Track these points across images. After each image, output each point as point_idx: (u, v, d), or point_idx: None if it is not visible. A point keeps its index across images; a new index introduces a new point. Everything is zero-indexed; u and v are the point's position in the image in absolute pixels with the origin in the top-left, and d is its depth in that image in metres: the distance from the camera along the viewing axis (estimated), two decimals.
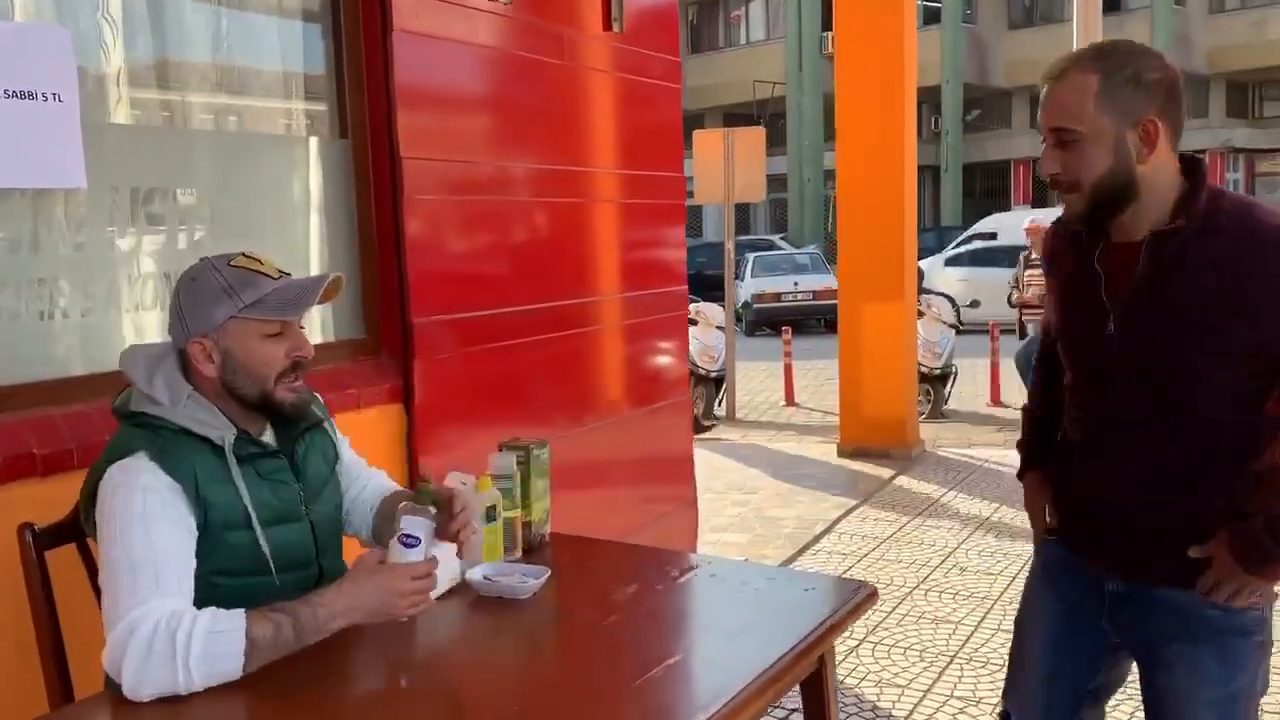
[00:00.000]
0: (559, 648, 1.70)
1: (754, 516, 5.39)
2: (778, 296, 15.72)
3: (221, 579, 1.66)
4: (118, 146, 2.28)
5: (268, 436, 1.78)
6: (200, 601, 1.60)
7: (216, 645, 1.49)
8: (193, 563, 1.62)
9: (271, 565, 1.69)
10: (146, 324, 2.33)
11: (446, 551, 1.77)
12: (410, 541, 1.65)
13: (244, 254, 1.74)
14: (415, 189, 2.79)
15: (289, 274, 1.75)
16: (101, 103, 2.31)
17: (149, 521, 1.57)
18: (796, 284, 15.98)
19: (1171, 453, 1.64)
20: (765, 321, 15.60)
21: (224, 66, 2.57)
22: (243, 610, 1.53)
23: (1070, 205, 1.64)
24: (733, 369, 8.82)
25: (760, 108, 25.76)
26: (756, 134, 8.49)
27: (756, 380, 10.75)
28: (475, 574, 1.90)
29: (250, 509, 1.68)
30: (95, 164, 2.14)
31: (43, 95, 2.07)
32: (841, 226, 6.71)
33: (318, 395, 1.91)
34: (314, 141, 2.74)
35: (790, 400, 9.58)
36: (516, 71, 3.17)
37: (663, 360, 3.93)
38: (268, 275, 1.71)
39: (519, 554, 2.08)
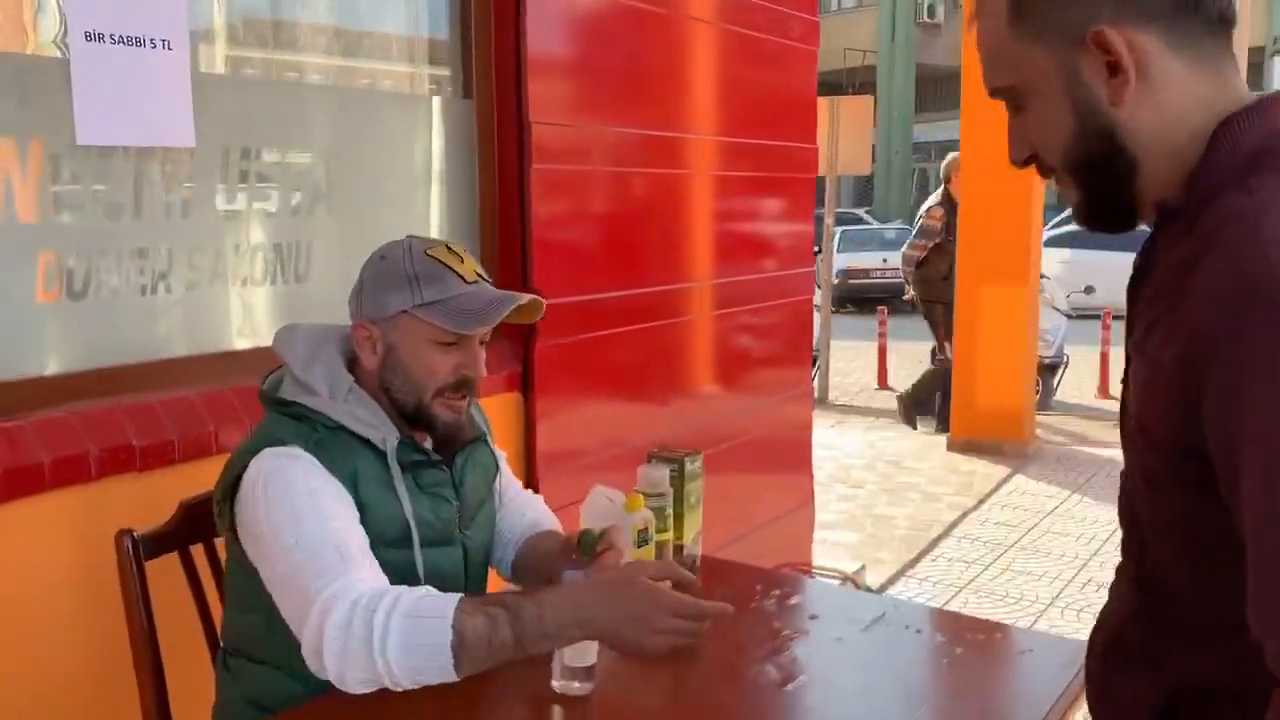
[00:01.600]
0: (732, 716, 1.43)
1: (863, 514, 5.08)
2: (866, 273, 15.24)
3: None
4: (228, 102, 2.04)
5: (427, 444, 1.55)
6: None
7: (417, 634, 1.26)
8: (366, 540, 1.40)
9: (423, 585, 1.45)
10: (255, 301, 2.10)
11: None
12: None
13: (447, 246, 1.51)
14: (543, 157, 2.52)
15: (488, 280, 1.51)
16: (211, 54, 2.07)
17: (317, 498, 1.37)
18: (885, 260, 15.46)
19: (1137, 604, 1.05)
20: (852, 299, 15.12)
21: (341, 17, 2.31)
22: (458, 595, 1.30)
23: (1070, 197, 1.02)
24: (826, 350, 8.46)
25: (850, 77, 25.05)
26: (863, 103, 8.07)
27: (844, 360, 10.34)
28: None
29: (412, 524, 1.46)
30: (204, 121, 1.91)
31: (151, 42, 1.84)
32: (964, 202, 6.29)
33: (479, 404, 1.66)
34: (436, 102, 2.48)
35: (883, 384, 9.20)
36: (652, 29, 2.87)
37: (789, 348, 3.62)
38: (460, 276, 1.47)
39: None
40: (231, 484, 1.44)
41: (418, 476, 1.51)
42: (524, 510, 1.76)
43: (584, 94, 2.67)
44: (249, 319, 2.09)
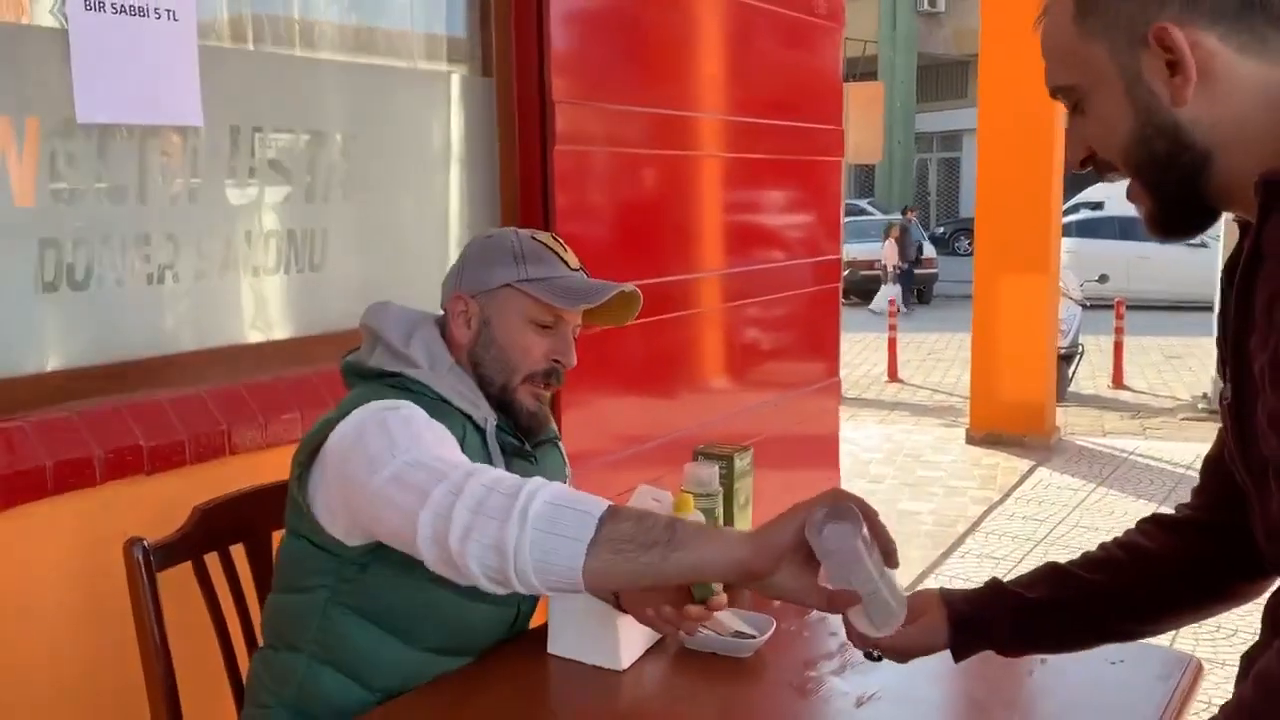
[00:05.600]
0: None
1: (886, 509, 4.92)
2: (871, 264, 15.12)
3: (412, 587, 1.30)
4: (237, 77, 1.91)
5: None
6: (363, 612, 1.34)
7: (568, 499, 1.10)
8: None
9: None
10: (268, 291, 1.97)
11: None
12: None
13: (552, 235, 1.49)
14: (566, 138, 2.39)
15: (586, 273, 1.48)
16: (218, 26, 1.94)
17: (438, 430, 1.28)
18: None
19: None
20: (856, 290, 15.00)
21: None
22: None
23: (1138, 199, 0.97)
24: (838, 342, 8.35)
25: (851, 66, 24.92)
26: (874, 90, 7.94)
27: (852, 353, 10.24)
28: None
29: None
30: (211, 98, 1.78)
31: (155, 12, 1.71)
32: (981, 191, 6.16)
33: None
34: (455, 79, 2.34)
35: (894, 376, 9.09)
36: (677, 2, 2.74)
37: (818, 337, 3.50)
38: (565, 261, 1.44)
39: (721, 589, 1.68)
40: (316, 448, 1.33)
41: (508, 464, 1.42)
42: None
43: (609, 72, 2.54)
44: (261, 311, 1.97)
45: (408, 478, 1.18)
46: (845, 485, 5.18)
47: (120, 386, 1.71)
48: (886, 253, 14.33)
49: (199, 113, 1.77)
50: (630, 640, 1.42)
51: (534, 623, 1.59)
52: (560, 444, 1.59)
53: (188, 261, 1.83)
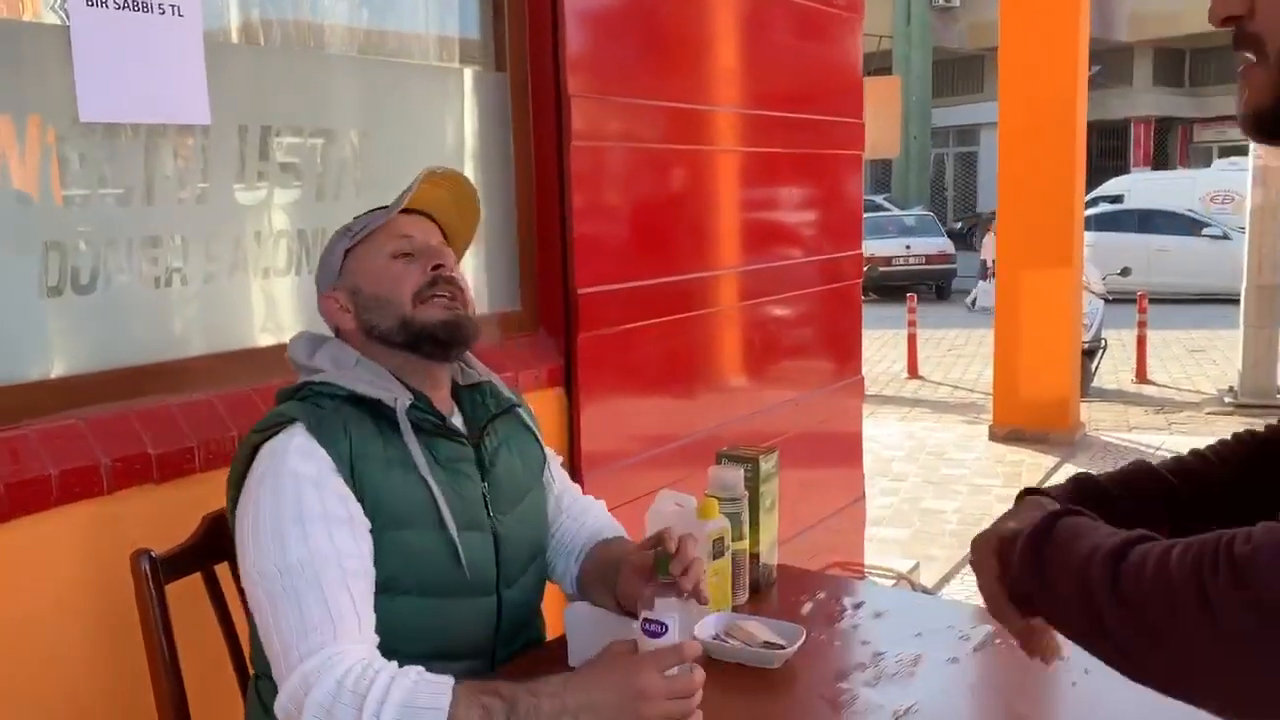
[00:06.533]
0: None
1: (909, 508, 4.89)
2: (888, 260, 15.01)
3: (379, 606, 1.29)
4: (246, 74, 1.86)
5: (456, 418, 1.46)
6: None
7: None
8: (371, 572, 1.28)
9: (465, 573, 1.36)
10: (279, 293, 1.92)
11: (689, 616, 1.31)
12: (654, 629, 1.21)
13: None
14: (583, 133, 2.33)
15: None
16: (226, 21, 1.89)
17: (306, 523, 1.25)
18: (908, 247, 15.26)
19: None
20: (873, 287, 14.91)
21: None
22: (450, 681, 1.15)
23: (1249, 83, 0.82)
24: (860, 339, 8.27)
25: (866, 61, 24.79)
26: (892, 84, 7.83)
27: (871, 349, 10.16)
28: (705, 630, 1.45)
29: (437, 494, 1.33)
30: (219, 95, 1.73)
31: (160, 8, 1.66)
32: (1003, 186, 6.08)
33: (496, 377, 1.54)
34: (468, 74, 2.29)
35: (913, 373, 9.01)
36: None
37: (839, 335, 3.43)
38: (384, 207, 1.47)
39: (746, 597, 1.63)
40: (240, 476, 1.35)
41: (433, 449, 1.38)
42: (584, 518, 1.59)
43: (625, 66, 2.49)
44: (272, 313, 1.92)
45: (262, 617, 1.23)
46: (868, 484, 5.11)
47: (127, 392, 1.66)
48: (986, 248, 14.27)
49: (206, 111, 1.73)
50: None
51: (551, 634, 1.54)
52: (527, 412, 1.54)
53: (196, 263, 1.78)
